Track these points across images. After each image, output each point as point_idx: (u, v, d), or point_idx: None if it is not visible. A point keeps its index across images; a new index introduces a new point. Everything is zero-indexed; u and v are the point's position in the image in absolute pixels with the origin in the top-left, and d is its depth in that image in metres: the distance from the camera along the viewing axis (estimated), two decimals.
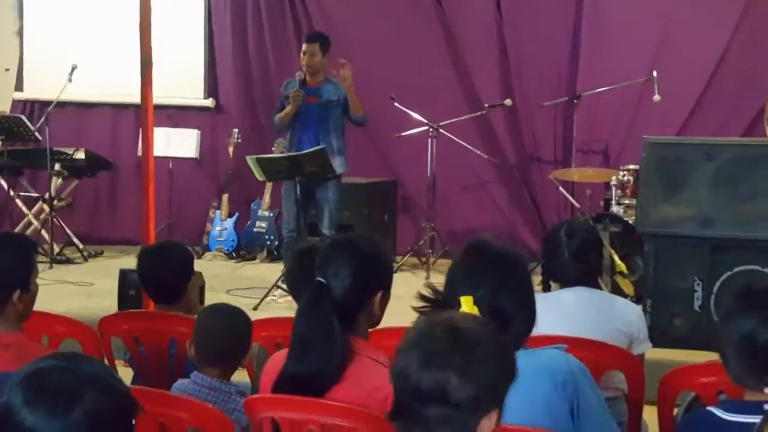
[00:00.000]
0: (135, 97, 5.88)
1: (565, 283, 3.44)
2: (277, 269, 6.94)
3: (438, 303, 2.26)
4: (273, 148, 7.53)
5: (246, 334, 3.09)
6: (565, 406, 2.32)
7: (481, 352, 1.77)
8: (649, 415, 3.25)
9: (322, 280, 2.52)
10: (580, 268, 3.41)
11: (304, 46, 6.88)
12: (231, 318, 3.08)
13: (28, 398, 1.52)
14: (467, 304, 2.14)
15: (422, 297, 2.30)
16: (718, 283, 5.28)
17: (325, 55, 6.82)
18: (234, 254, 8.40)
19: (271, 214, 8.33)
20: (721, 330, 2.40)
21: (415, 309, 2.26)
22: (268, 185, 8.25)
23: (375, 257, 2.65)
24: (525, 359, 2.29)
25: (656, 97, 7.18)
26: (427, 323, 1.83)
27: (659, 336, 5.22)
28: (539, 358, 2.36)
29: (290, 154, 6.66)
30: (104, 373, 1.60)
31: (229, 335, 3.02)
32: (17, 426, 1.51)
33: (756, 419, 2.14)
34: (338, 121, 6.83)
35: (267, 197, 8.39)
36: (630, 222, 6.28)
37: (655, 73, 7.23)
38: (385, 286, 2.64)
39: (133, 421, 1.60)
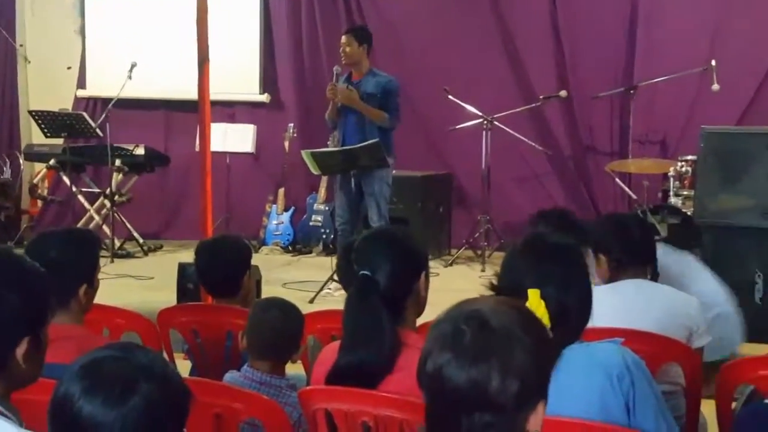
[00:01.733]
0: (193, 94, 5.96)
1: (625, 270, 3.41)
2: (332, 262, 6.97)
3: (504, 292, 2.29)
4: (328, 143, 7.58)
5: (298, 330, 3.12)
6: (621, 400, 2.30)
7: (517, 341, 1.62)
8: (708, 409, 3.21)
9: (367, 272, 2.54)
10: (639, 258, 3.41)
11: (341, 39, 6.88)
12: (283, 313, 3.10)
13: (85, 388, 1.57)
14: (535, 297, 2.15)
15: (492, 287, 2.33)
16: None
17: (362, 46, 6.74)
18: (290, 248, 8.47)
19: (327, 208, 8.37)
20: None
21: None
22: (324, 179, 8.30)
23: (409, 242, 2.69)
24: (580, 353, 2.30)
25: (715, 87, 7.07)
26: (453, 316, 1.68)
27: None
28: (594, 351, 2.35)
29: (344, 147, 6.68)
30: (159, 363, 1.64)
31: (281, 330, 3.04)
32: (75, 415, 1.56)
33: None
34: None
35: (322, 191, 8.43)
36: (688, 213, 6.20)
37: (713, 62, 7.13)
38: (426, 267, 2.69)
39: (188, 409, 1.63)
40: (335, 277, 6.31)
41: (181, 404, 1.64)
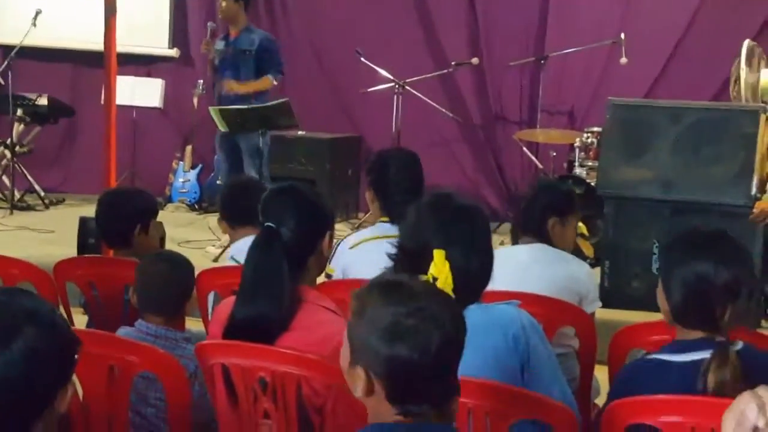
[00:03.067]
0: (100, 45, 5.82)
1: (535, 237, 3.45)
2: None
3: (411, 252, 2.32)
4: (193, 91, 7.59)
5: (187, 281, 3.09)
6: (516, 361, 2.34)
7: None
8: (603, 374, 3.27)
9: (271, 225, 2.52)
10: (533, 223, 3.44)
11: None
12: (171, 265, 3.06)
13: None
14: (440, 258, 2.18)
15: (399, 247, 2.38)
16: None
17: (239, 2, 6.82)
18: (196, 206, 8.37)
19: None
20: (668, 268, 2.41)
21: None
22: None
23: (317, 200, 2.69)
24: (478, 314, 2.32)
25: (623, 60, 7.19)
26: (397, 310, 1.78)
27: (617, 297, 5.29)
28: (492, 313, 2.38)
29: (255, 105, 6.62)
30: (43, 308, 1.59)
31: (170, 282, 3.00)
32: None
33: (703, 355, 2.24)
34: (251, 70, 6.81)
35: None
36: (592, 184, 6.30)
37: (622, 35, 7.24)
38: (331, 227, 2.70)
39: (75, 357, 1.59)
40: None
41: (68, 351, 1.60)
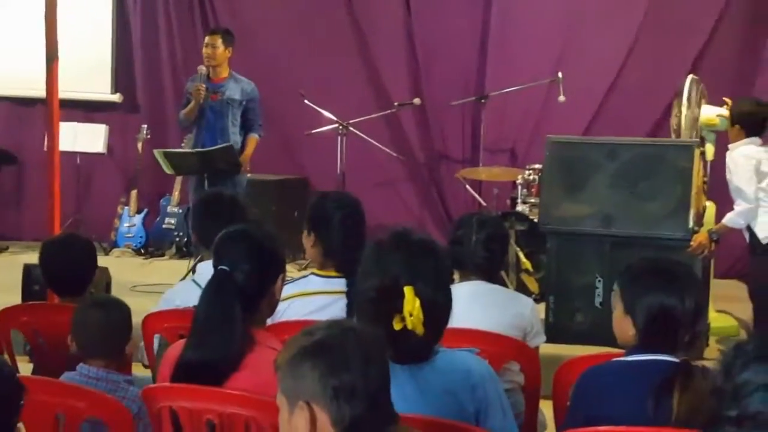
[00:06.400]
0: (42, 91, 5.80)
1: (468, 271, 3.47)
2: (185, 265, 6.89)
3: (377, 292, 2.30)
4: (182, 144, 7.51)
5: (122, 323, 3.09)
6: (471, 407, 2.36)
7: None
8: (549, 409, 3.27)
9: (225, 268, 2.54)
10: (485, 257, 3.45)
11: (206, 39, 6.82)
12: (104, 309, 3.07)
13: None
14: (410, 295, 2.22)
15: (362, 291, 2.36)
16: None
17: (228, 49, 6.74)
18: (142, 251, 8.33)
19: (180, 211, 8.26)
20: (635, 296, 2.58)
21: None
22: (178, 181, 8.20)
23: (271, 243, 2.70)
24: (439, 357, 2.35)
25: (561, 98, 7.32)
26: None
27: (562, 332, 5.34)
28: (453, 358, 2.39)
29: (198, 149, 6.63)
30: None
31: (105, 326, 3.01)
32: None
33: (661, 357, 2.44)
34: (238, 119, 6.75)
35: (176, 193, 8.33)
36: (535, 220, 6.38)
37: (560, 74, 7.38)
38: (283, 269, 2.70)
39: (21, 403, 1.60)
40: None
41: (13, 397, 1.60)
